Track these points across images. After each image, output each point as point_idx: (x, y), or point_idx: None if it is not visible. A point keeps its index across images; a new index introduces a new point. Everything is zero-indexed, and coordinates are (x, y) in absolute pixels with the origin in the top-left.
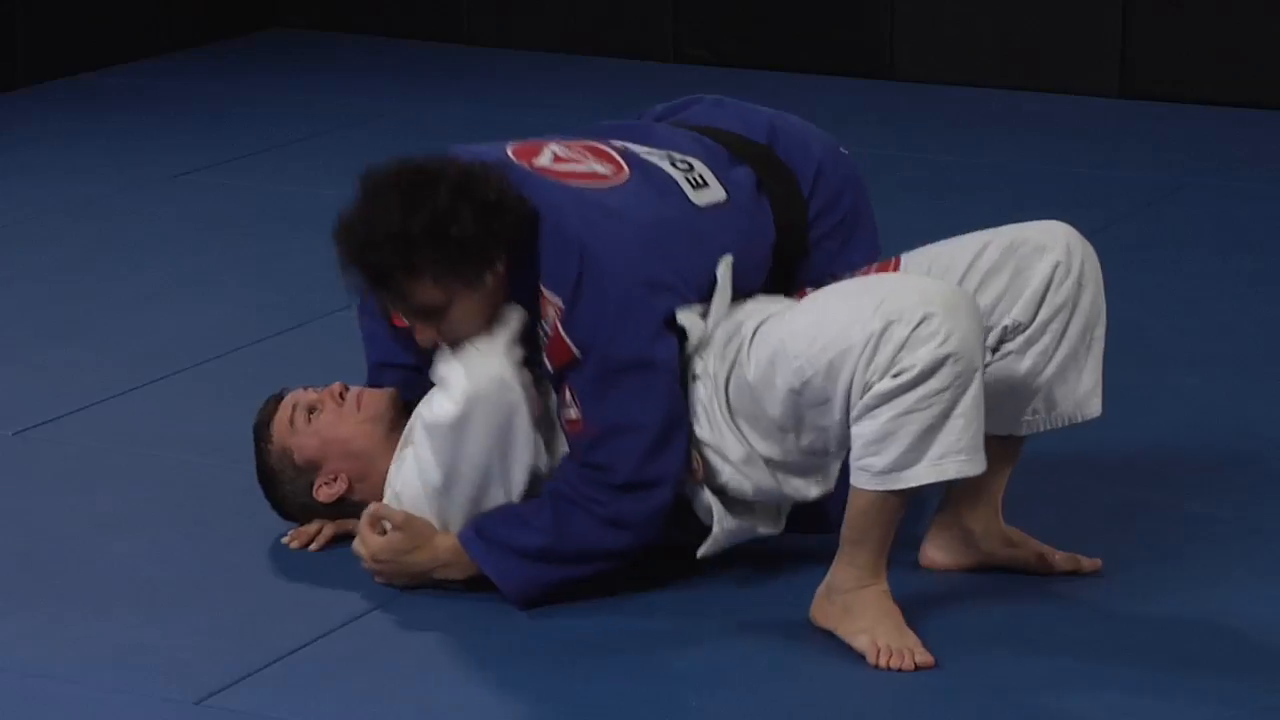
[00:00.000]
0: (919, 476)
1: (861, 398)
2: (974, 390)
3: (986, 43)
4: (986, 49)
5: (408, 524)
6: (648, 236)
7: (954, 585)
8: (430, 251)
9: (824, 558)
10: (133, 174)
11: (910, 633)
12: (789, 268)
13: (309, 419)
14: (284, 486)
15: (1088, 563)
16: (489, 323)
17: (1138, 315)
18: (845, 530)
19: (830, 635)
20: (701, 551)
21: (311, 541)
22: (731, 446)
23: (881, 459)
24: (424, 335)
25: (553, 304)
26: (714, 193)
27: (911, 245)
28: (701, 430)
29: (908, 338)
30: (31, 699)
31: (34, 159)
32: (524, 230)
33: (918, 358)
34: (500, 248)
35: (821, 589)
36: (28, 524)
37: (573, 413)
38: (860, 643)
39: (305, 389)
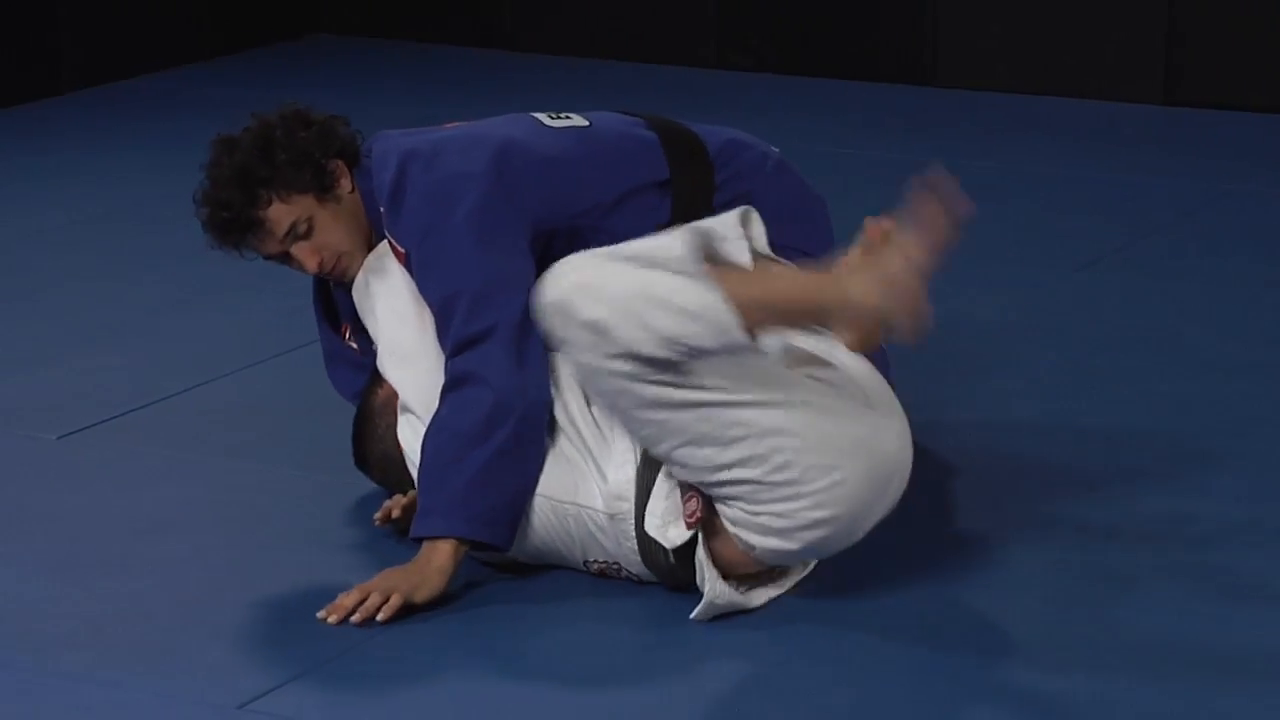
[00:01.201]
0: None
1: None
2: None
3: (1029, 49)
4: (1029, 55)
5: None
6: (469, 143)
7: (998, 595)
8: (264, 172)
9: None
10: (175, 179)
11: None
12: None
13: None
14: (376, 428)
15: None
16: (359, 239)
17: (1179, 323)
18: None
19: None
20: (694, 615)
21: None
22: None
23: None
24: (310, 263)
25: (384, 215)
26: (572, 121)
27: (952, 252)
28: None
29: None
30: (74, 703)
31: (76, 164)
32: (353, 147)
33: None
34: (331, 155)
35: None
36: (71, 527)
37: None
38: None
39: None
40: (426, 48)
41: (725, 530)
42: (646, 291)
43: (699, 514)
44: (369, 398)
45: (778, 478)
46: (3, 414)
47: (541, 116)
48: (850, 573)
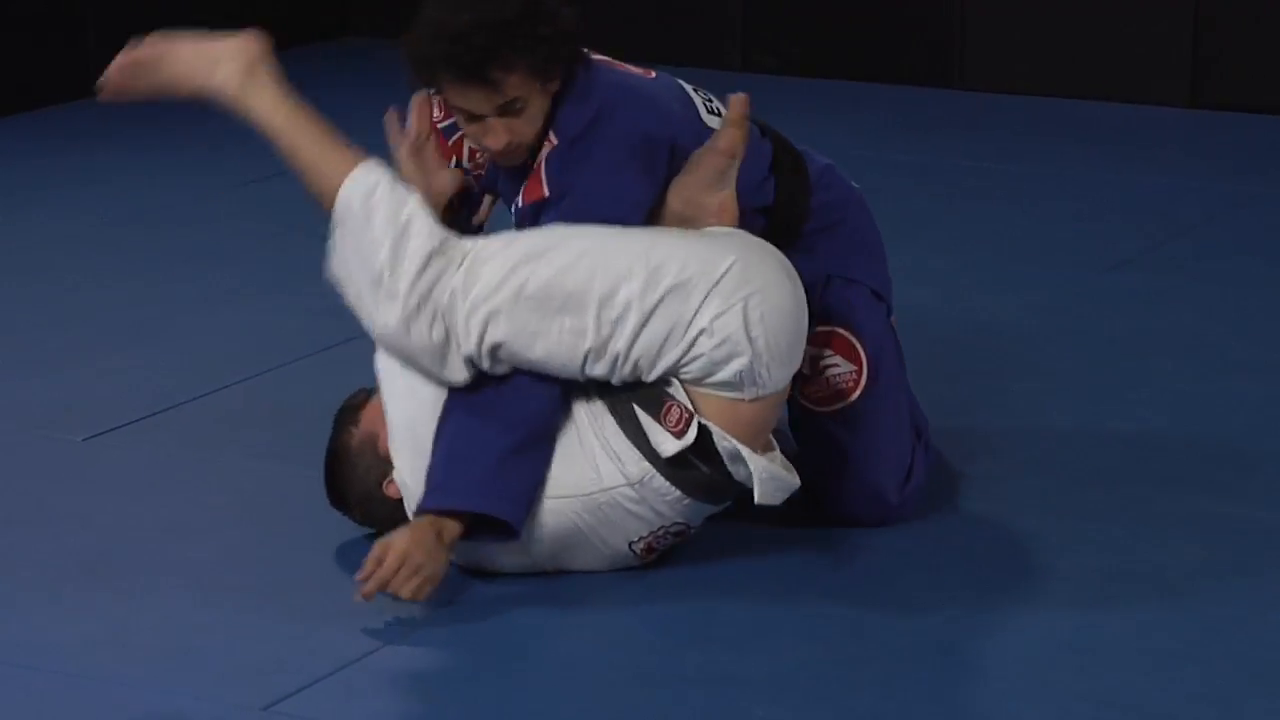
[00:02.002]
0: None
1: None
2: None
3: (1055, 52)
4: (1055, 58)
5: (391, 546)
6: (659, 107)
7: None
8: (526, 41)
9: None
10: (202, 181)
11: None
12: (779, 242)
13: None
14: (355, 471)
15: (734, 105)
16: (536, 138)
17: (1204, 325)
18: None
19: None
20: (758, 498)
21: None
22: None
23: None
24: (496, 139)
25: (550, 141)
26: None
27: (976, 250)
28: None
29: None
30: (100, 703)
31: (105, 166)
32: (579, 55)
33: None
34: (571, 52)
35: None
36: (96, 529)
37: None
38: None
39: None
40: None
41: (711, 403)
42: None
43: (685, 414)
44: (344, 437)
45: (688, 273)
46: (29, 416)
47: (700, 107)
48: (874, 576)
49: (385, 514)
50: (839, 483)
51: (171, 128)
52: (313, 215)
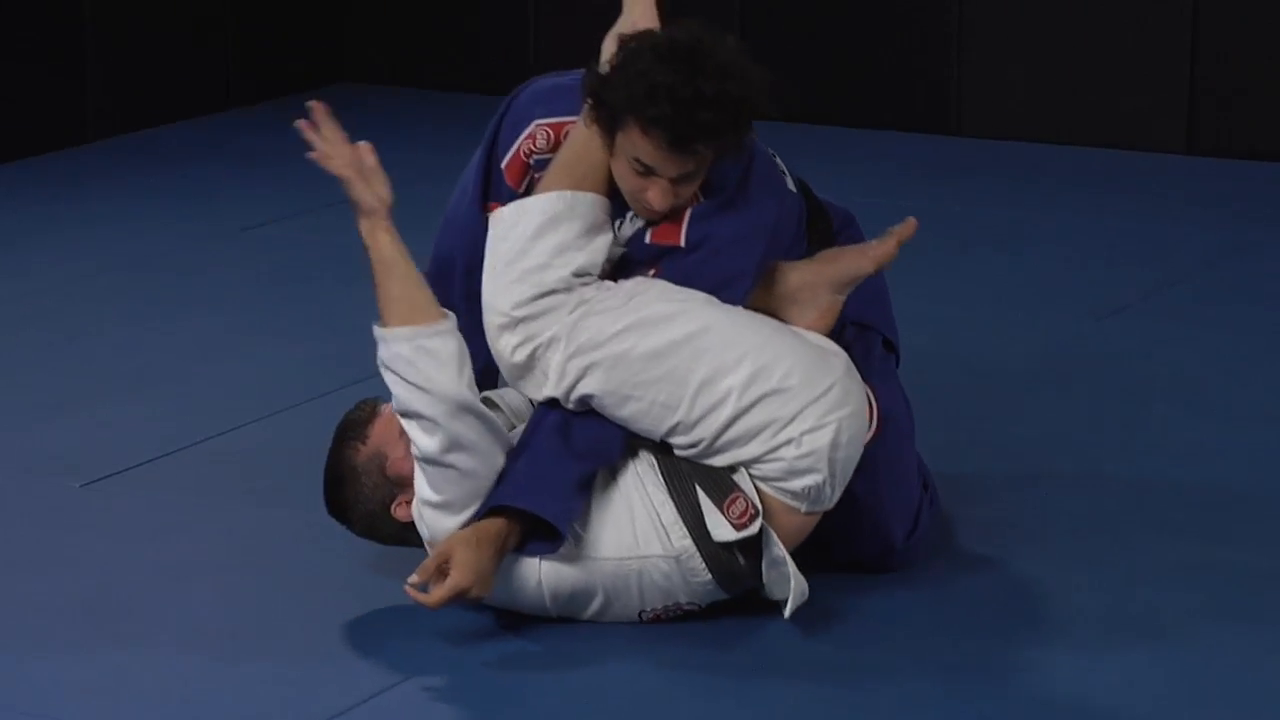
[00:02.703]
0: None
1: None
2: None
3: (1052, 98)
4: (1052, 104)
5: (449, 549)
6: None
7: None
8: (742, 122)
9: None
10: (200, 228)
11: None
12: None
13: None
14: (360, 490)
15: (903, 228)
16: None
17: (1202, 371)
18: None
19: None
20: (789, 612)
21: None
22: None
23: None
24: (663, 201)
25: (698, 198)
26: (788, 181)
27: (975, 296)
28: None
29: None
30: None
31: (103, 212)
32: None
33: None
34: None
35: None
36: (95, 575)
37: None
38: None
39: None
40: (450, 96)
41: (768, 501)
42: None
43: (751, 509)
44: (348, 453)
45: (791, 382)
46: (27, 462)
47: (787, 176)
48: (875, 621)
49: (391, 532)
50: (847, 528)
51: (170, 174)
52: (310, 262)
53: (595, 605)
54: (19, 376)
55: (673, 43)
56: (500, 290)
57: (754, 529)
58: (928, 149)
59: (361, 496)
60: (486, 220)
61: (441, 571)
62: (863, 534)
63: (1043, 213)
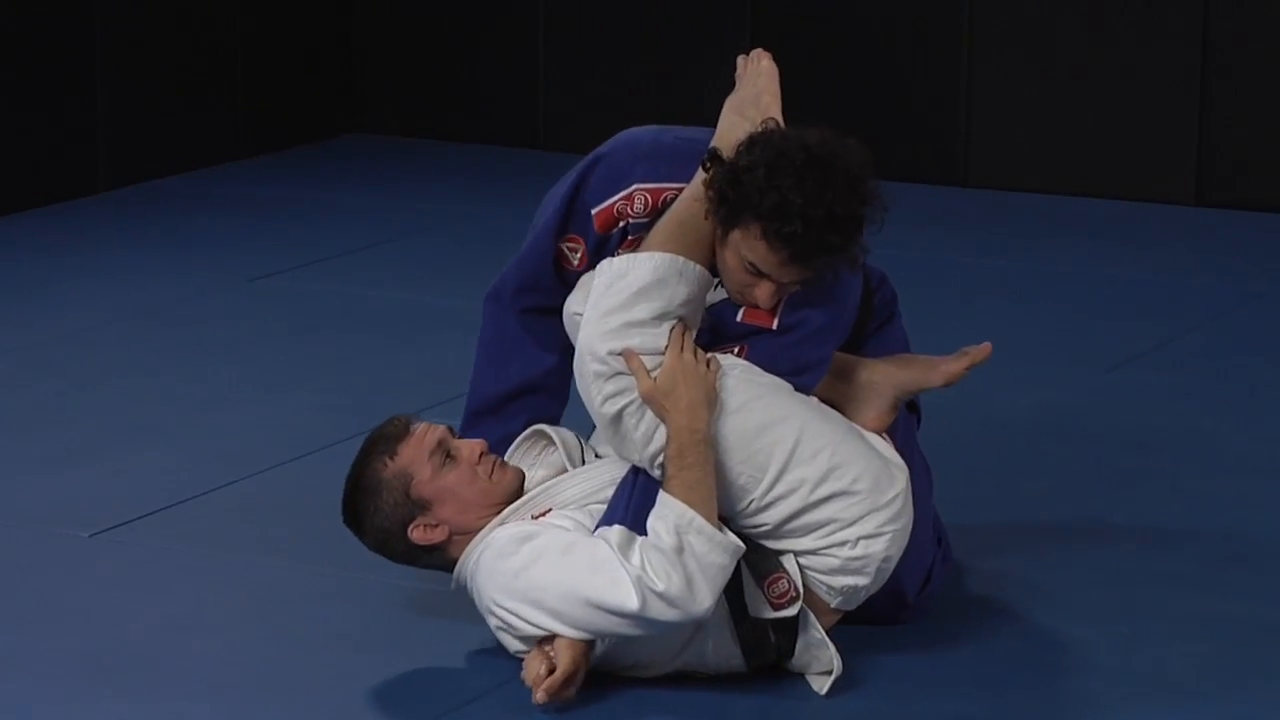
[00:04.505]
0: None
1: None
2: None
3: (1061, 150)
4: (1061, 156)
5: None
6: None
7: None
8: (862, 238)
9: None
10: (210, 278)
11: None
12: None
13: (444, 463)
14: (380, 505)
15: (977, 351)
16: None
17: (1212, 424)
18: None
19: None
20: (826, 690)
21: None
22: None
23: None
24: (769, 300)
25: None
26: None
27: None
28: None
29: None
30: None
31: (113, 262)
32: None
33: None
34: None
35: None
36: (102, 625)
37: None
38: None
39: (451, 429)
40: (461, 147)
41: (812, 590)
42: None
43: (794, 592)
44: (375, 465)
45: (860, 486)
46: (36, 512)
47: None
48: (884, 673)
49: (402, 551)
50: None
51: (179, 224)
52: (317, 313)
53: (619, 654)
54: (28, 426)
55: (808, 155)
56: (599, 338)
57: (792, 611)
58: (937, 200)
59: (380, 512)
60: (557, 249)
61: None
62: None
63: (1052, 265)
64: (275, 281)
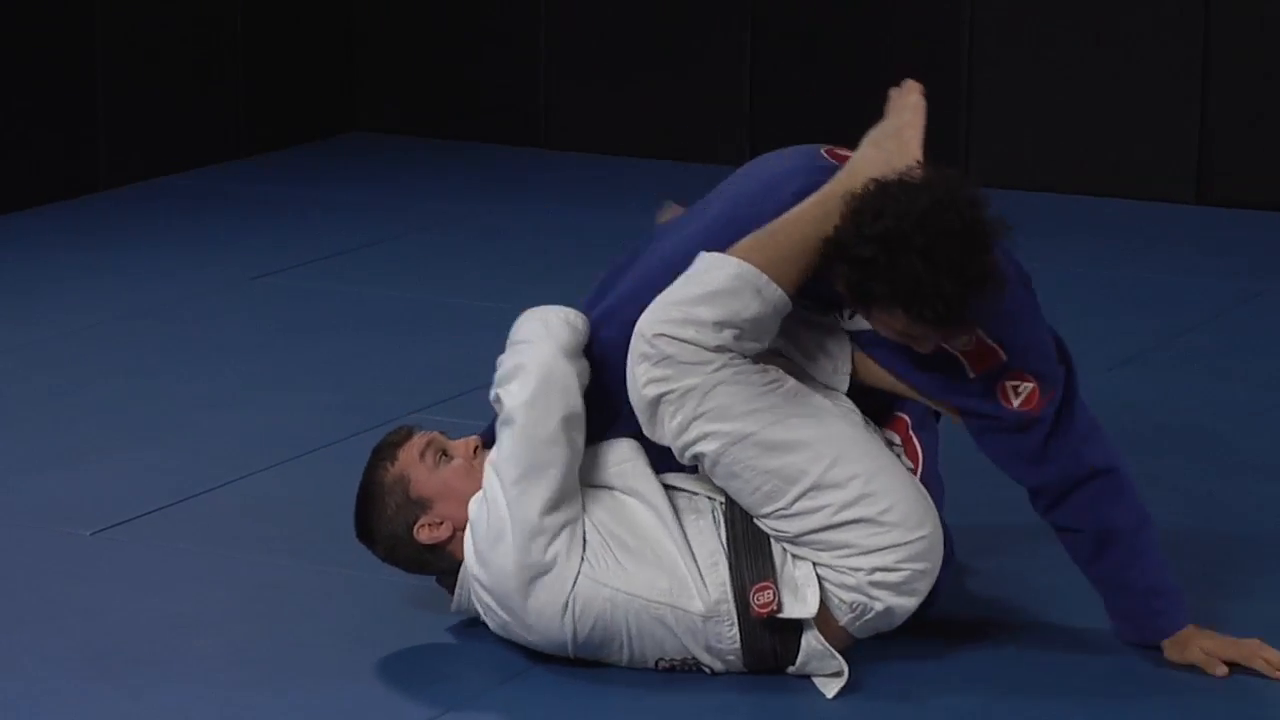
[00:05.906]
0: None
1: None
2: None
3: (1061, 149)
4: (1061, 155)
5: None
6: None
7: None
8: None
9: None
10: (211, 276)
11: None
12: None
13: (438, 461)
14: (385, 510)
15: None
16: None
17: (1213, 422)
18: None
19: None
20: (834, 694)
21: None
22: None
23: None
24: (926, 348)
25: None
26: None
27: None
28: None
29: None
30: None
31: (114, 260)
32: None
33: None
34: None
35: None
36: (104, 624)
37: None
38: None
39: (443, 434)
40: (463, 145)
41: (826, 608)
42: (680, 299)
43: (775, 604)
44: (378, 473)
45: (889, 518)
46: (38, 510)
47: None
48: (887, 674)
49: (411, 555)
50: None
51: (181, 223)
52: (320, 311)
53: (611, 646)
54: (30, 424)
55: (923, 227)
56: (657, 322)
57: (770, 611)
58: None
59: (385, 517)
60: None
61: None
62: None
63: (1052, 263)
64: (275, 280)
